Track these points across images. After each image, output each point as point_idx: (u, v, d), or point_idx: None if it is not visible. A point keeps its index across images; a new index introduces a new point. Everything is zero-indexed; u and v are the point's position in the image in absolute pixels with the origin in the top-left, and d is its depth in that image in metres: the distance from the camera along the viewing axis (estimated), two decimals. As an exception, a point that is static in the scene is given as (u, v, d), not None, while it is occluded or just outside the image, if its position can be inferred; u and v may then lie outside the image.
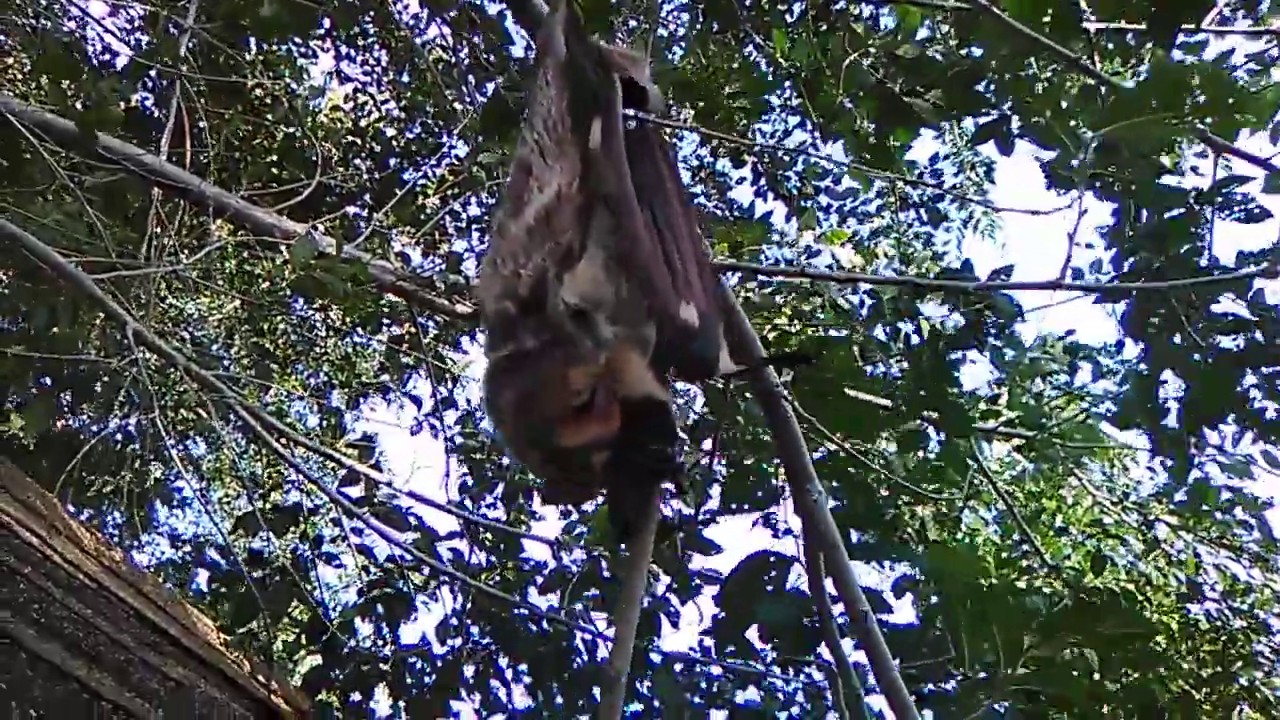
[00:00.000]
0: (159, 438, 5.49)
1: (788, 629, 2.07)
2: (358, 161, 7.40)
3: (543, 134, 1.74)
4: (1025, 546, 4.71)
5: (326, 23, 7.10)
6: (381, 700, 4.83)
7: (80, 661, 2.55)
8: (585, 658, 4.63)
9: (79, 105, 4.43)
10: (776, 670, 3.98)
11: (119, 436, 6.40)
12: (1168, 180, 2.95)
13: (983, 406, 4.09)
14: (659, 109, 1.91)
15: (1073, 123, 1.79)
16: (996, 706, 1.67)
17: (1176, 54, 2.66)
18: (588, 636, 4.52)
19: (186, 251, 5.28)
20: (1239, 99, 1.65)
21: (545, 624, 4.62)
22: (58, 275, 4.00)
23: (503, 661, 4.76)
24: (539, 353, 1.52)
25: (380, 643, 4.84)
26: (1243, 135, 2.71)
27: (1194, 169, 3.34)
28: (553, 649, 4.62)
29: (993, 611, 1.59)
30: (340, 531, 5.23)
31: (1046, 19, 2.73)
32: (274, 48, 6.92)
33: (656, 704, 4.38)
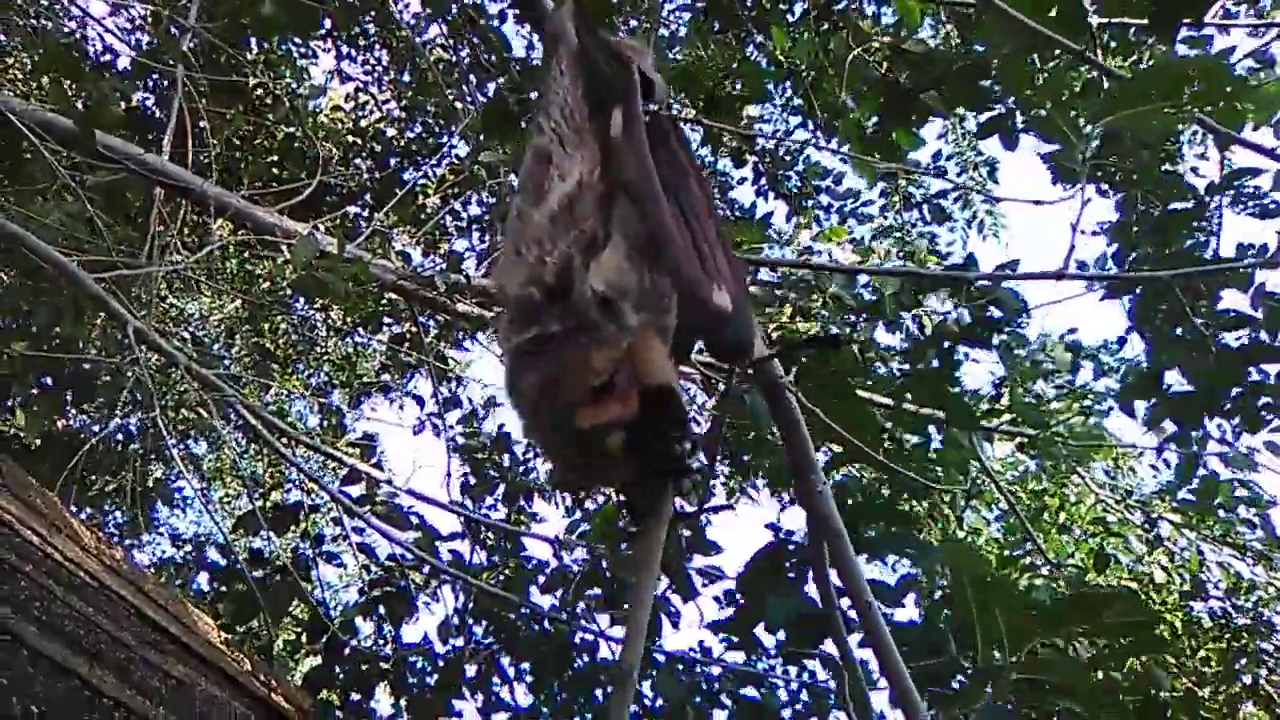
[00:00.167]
0: (160, 437, 5.49)
1: (795, 623, 2.07)
2: (358, 161, 7.41)
3: (560, 123, 1.75)
4: (1028, 544, 4.70)
5: (328, 23, 7.10)
6: (383, 700, 4.82)
7: (81, 659, 2.54)
8: (587, 658, 4.62)
9: (80, 105, 4.43)
10: (781, 665, 3.98)
11: (120, 436, 6.40)
12: (1168, 168, 2.95)
13: (985, 405, 4.09)
14: (664, 99, 1.91)
15: (1074, 113, 1.78)
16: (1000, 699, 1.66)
17: (1180, 49, 2.65)
18: (590, 636, 4.51)
19: (188, 251, 5.28)
20: (1237, 89, 1.65)
21: (547, 623, 4.61)
22: (59, 275, 4.00)
23: (504, 661, 4.76)
24: (563, 337, 1.54)
25: (381, 642, 4.83)
26: (1246, 131, 2.71)
27: (1194, 170, 3.34)
28: (554, 648, 4.61)
29: (998, 601, 1.59)
30: (341, 531, 5.23)
31: (1051, 14, 2.72)
32: (275, 48, 6.92)
33: (659, 704, 4.38)
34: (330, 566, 5.26)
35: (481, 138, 5.37)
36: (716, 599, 4.05)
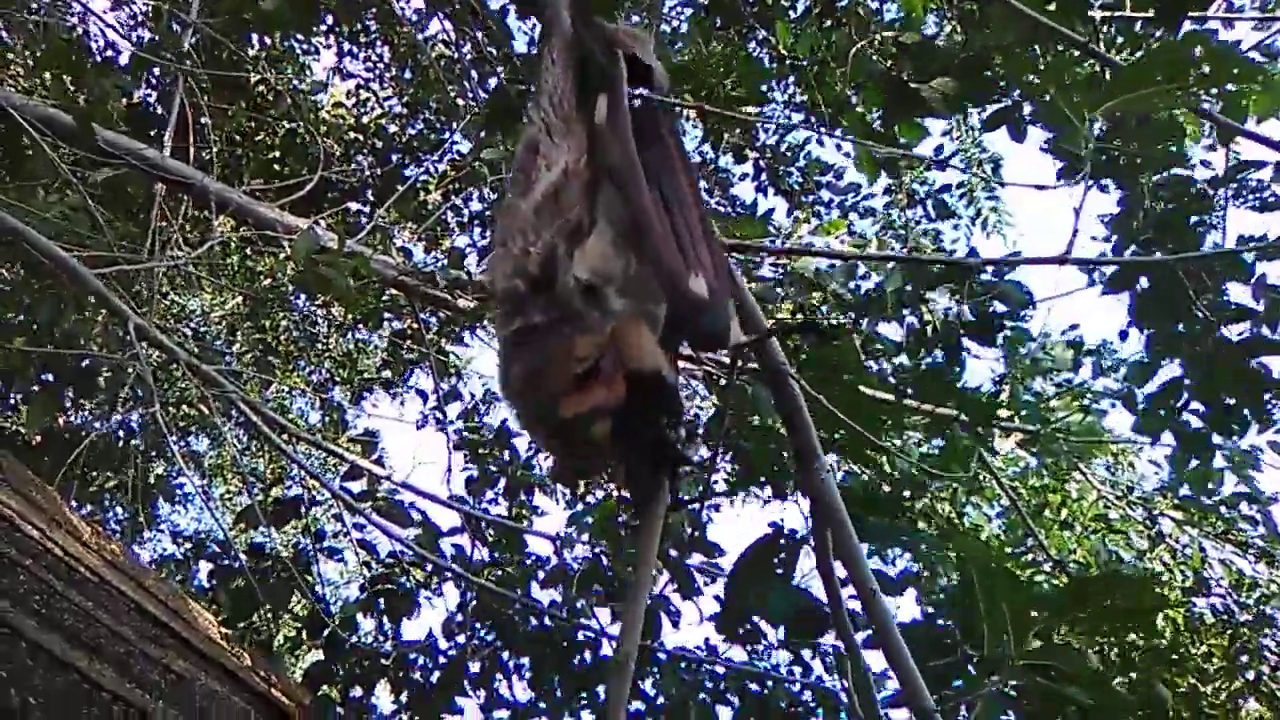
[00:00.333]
0: (161, 433, 5.49)
1: (796, 615, 2.06)
2: (360, 157, 7.40)
3: (549, 112, 1.75)
4: (1030, 541, 4.69)
5: (329, 19, 7.10)
6: (383, 696, 4.83)
7: (81, 653, 2.54)
8: (588, 655, 4.62)
9: (81, 100, 4.43)
10: (783, 658, 3.97)
11: (121, 432, 6.40)
12: (1176, 170, 2.94)
13: (986, 401, 4.07)
14: (664, 87, 1.91)
15: (1076, 99, 1.77)
16: (1004, 688, 1.65)
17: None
18: (590, 633, 4.51)
19: (189, 247, 5.28)
20: (1243, 70, 1.64)
21: (547, 619, 4.61)
22: (59, 270, 4.00)
23: (505, 656, 4.75)
24: (547, 328, 1.54)
25: (381, 639, 4.83)
26: (1251, 125, 2.70)
27: (1204, 162, 3.31)
28: (555, 644, 4.60)
29: (1003, 589, 1.58)
30: (342, 527, 5.23)
31: (1051, 6, 2.71)
32: (277, 44, 6.92)
33: (660, 701, 4.37)
34: (331, 563, 5.27)
35: (483, 134, 5.36)
36: (718, 597, 4.05)
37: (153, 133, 5.56)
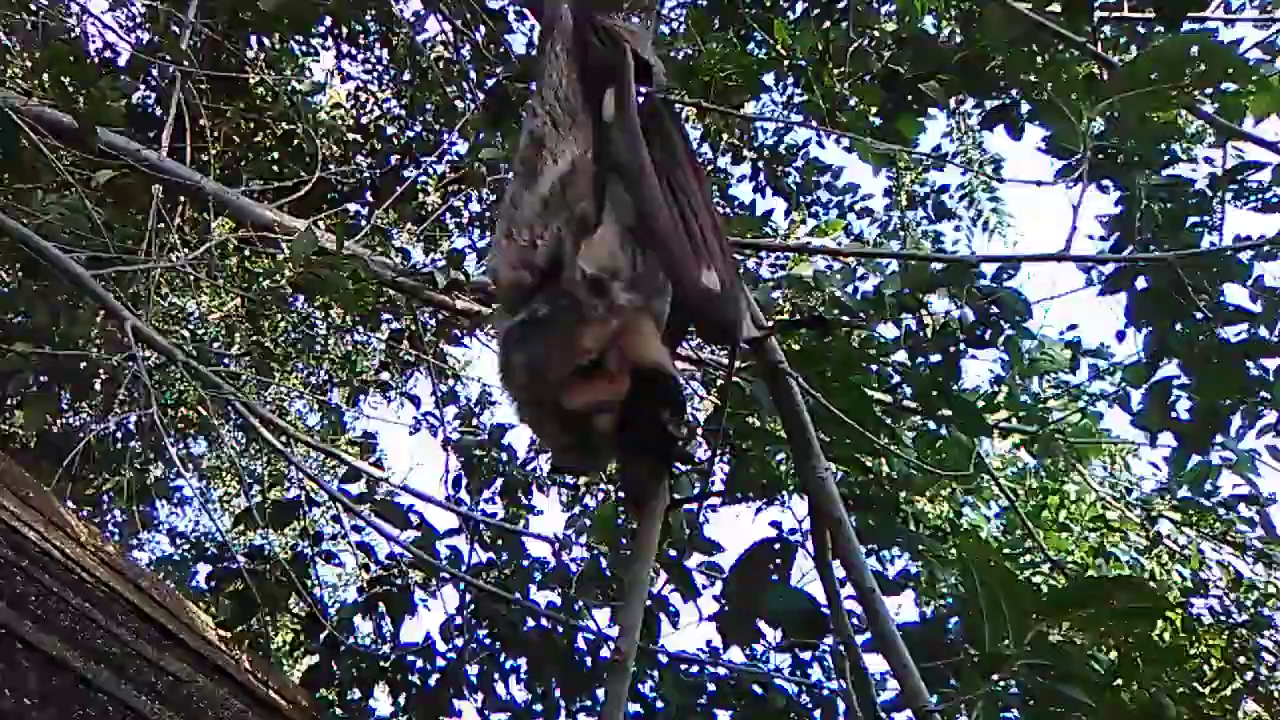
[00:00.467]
0: (158, 435, 5.48)
1: (796, 616, 2.05)
2: (359, 159, 7.40)
3: (554, 105, 1.75)
4: (1028, 542, 4.69)
5: (328, 21, 7.10)
6: (381, 699, 4.81)
7: (77, 653, 2.53)
8: (588, 658, 4.61)
9: (80, 102, 4.42)
10: (782, 665, 3.96)
11: (119, 434, 6.39)
12: (1174, 171, 2.93)
13: (982, 402, 4.07)
14: (663, 83, 1.90)
15: (1075, 96, 1.77)
16: (1005, 688, 1.64)
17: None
18: (589, 635, 4.50)
19: (187, 248, 5.27)
20: (1239, 70, 1.63)
21: (545, 621, 4.60)
22: (57, 271, 4.00)
23: (503, 659, 4.74)
24: (551, 318, 1.53)
25: (379, 641, 4.82)
26: (1250, 126, 2.70)
27: (1208, 159, 3.30)
28: (554, 646, 4.59)
29: (1003, 587, 1.57)
30: (340, 529, 5.22)
31: (1053, 7, 2.72)
32: (275, 45, 6.92)
33: (659, 705, 4.36)
34: (329, 566, 5.26)
35: (481, 135, 5.36)
36: (717, 598, 4.04)
37: (151, 134, 5.56)
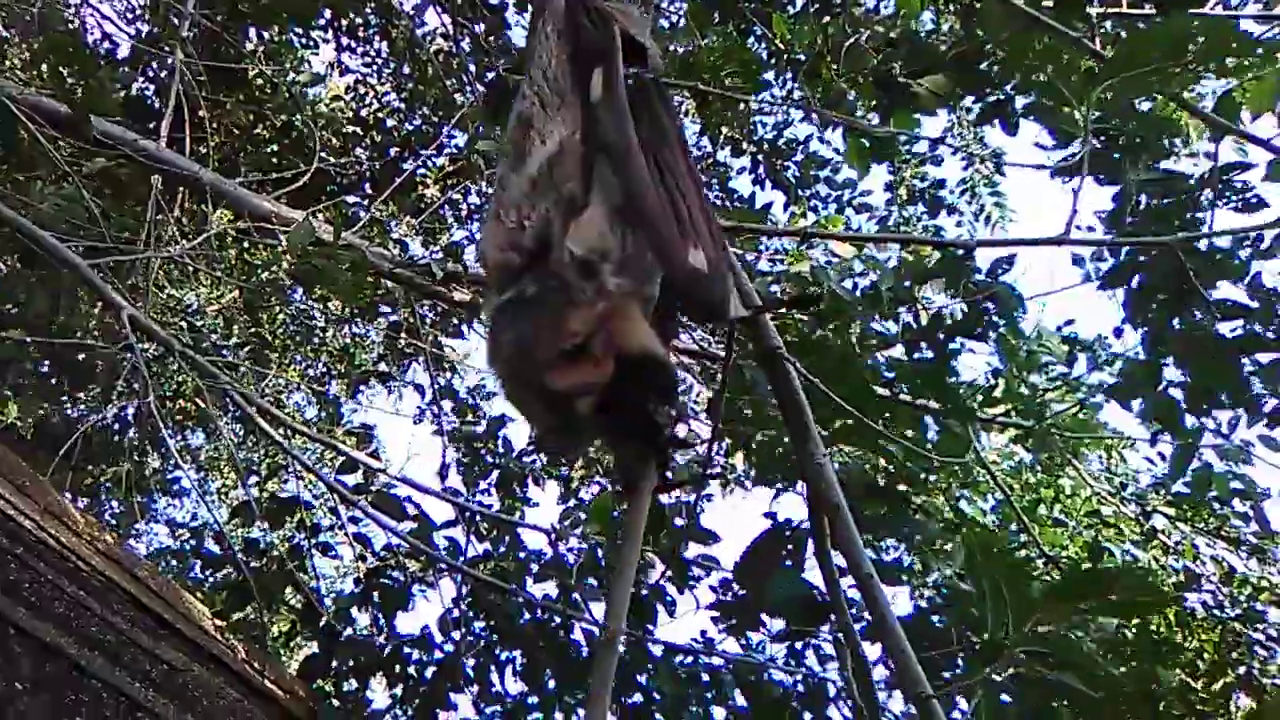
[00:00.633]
0: (156, 426, 5.48)
1: (796, 602, 2.05)
2: (358, 151, 7.40)
3: (543, 86, 1.75)
4: (1023, 536, 4.70)
5: (328, 13, 7.10)
6: (378, 690, 4.82)
7: (71, 640, 2.54)
8: (585, 650, 4.61)
9: (78, 92, 4.42)
10: (781, 654, 3.96)
11: (116, 425, 6.40)
12: (1166, 166, 2.94)
13: (980, 396, 4.07)
14: (658, 66, 1.90)
15: (1074, 79, 1.77)
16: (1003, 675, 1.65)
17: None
18: (585, 626, 4.50)
19: (185, 239, 5.27)
20: (1243, 46, 1.62)
21: (541, 613, 4.61)
22: (54, 260, 4.00)
23: (499, 651, 4.75)
24: (539, 298, 1.53)
25: (376, 632, 4.83)
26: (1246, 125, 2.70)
27: (1208, 154, 3.30)
28: (549, 638, 4.60)
29: (1003, 574, 1.57)
30: (337, 520, 5.22)
31: (1048, 1, 2.71)
32: (275, 37, 6.92)
33: (656, 696, 4.37)
34: (326, 558, 5.26)
35: (480, 127, 5.36)
36: (713, 588, 4.05)
37: (150, 125, 5.56)
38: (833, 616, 2.02)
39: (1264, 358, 2.90)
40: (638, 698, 4.38)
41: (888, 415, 2.74)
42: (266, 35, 6.90)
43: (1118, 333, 3.43)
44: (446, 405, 5.74)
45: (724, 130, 6.43)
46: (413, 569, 4.81)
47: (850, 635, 1.90)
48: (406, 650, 4.74)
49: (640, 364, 1.50)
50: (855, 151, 3.44)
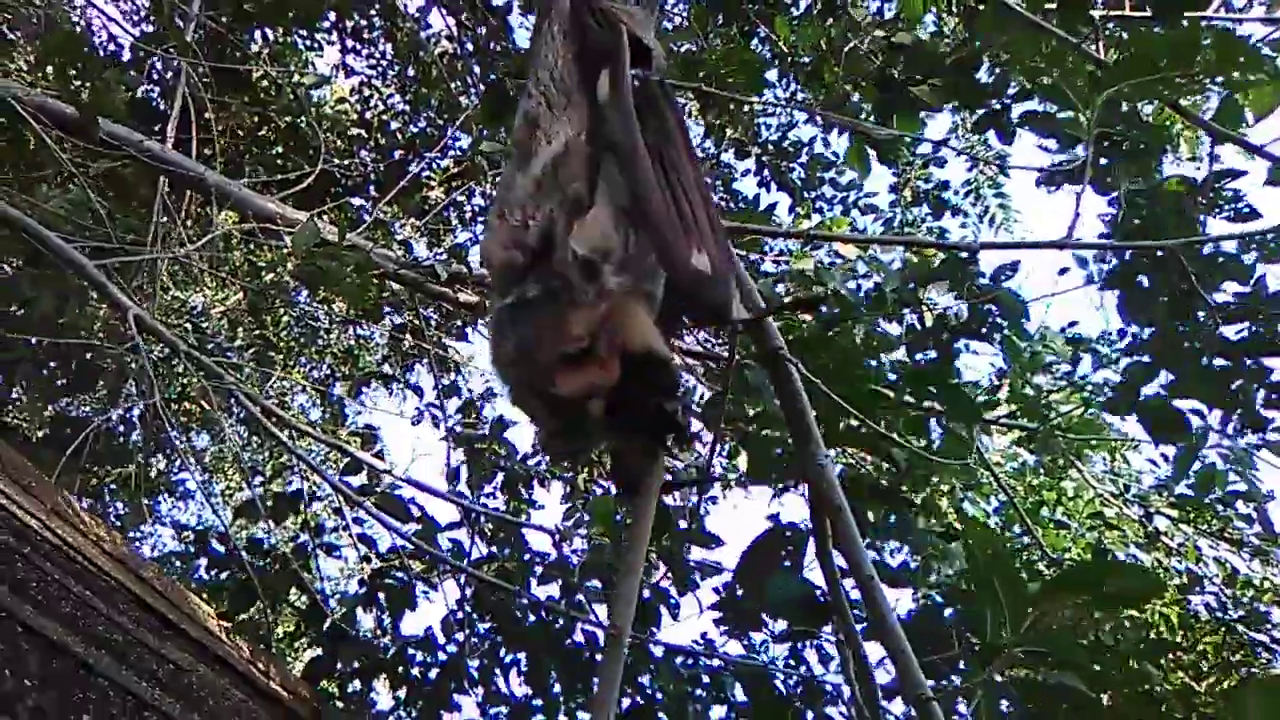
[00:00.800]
0: (162, 427, 5.50)
1: (796, 603, 2.05)
2: (363, 153, 7.41)
3: (549, 86, 1.74)
4: (1026, 539, 4.70)
5: (333, 15, 7.12)
6: (382, 691, 4.83)
7: (78, 639, 2.55)
8: (587, 652, 4.62)
9: (84, 93, 4.44)
10: (782, 656, 3.96)
11: (122, 426, 6.41)
12: (1168, 174, 2.94)
13: (983, 398, 4.07)
14: (662, 68, 1.90)
15: (1080, 83, 1.77)
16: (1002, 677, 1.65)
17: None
18: (589, 627, 4.51)
19: (191, 241, 5.29)
20: (1250, 60, 1.62)
21: (546, 614, 4.61)
22: (59, 260, 4.01)
23: (504, 652, 4.76)
24: (542, 299, 1.53)
25: (381, 633, 4.83)
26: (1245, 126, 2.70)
27: (1213, 156, 3.30)
28: (554, 639, 4.61)
29: (1000, 573, 1.57)
30: (341, 521, 5.23)
31: (1052, 5, 2.72)
32: (280, 38, 6.94)
33: (658, 696, 4.37)
34: (331, 559, 5.27)
35: (483, 130, 5.37)
36: (716, 590, 4.05)
37: (155, 127, 5.58)
38: (834, 617, 2.02)
39: (1269, 361, 2.90)
40: (639, 699, 4.39)
41: (890, 417, 2.74)
42: (271, 37, 6.92)
43: (1121, 334, 3.43)
44: (451, 407, 5.75)
45: (728, 132, 6.44)
46: (417, 570, 4.82)
47: (852, 636, 1.90)
48: (411, 651, 4.75)
49: (644, 361, 1.50)
50: (856, 153, 3.45)
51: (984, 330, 3.74)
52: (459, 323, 6.31)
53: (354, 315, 6.77)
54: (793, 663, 4.04)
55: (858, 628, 2.08)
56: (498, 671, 4.72)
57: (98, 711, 2.32)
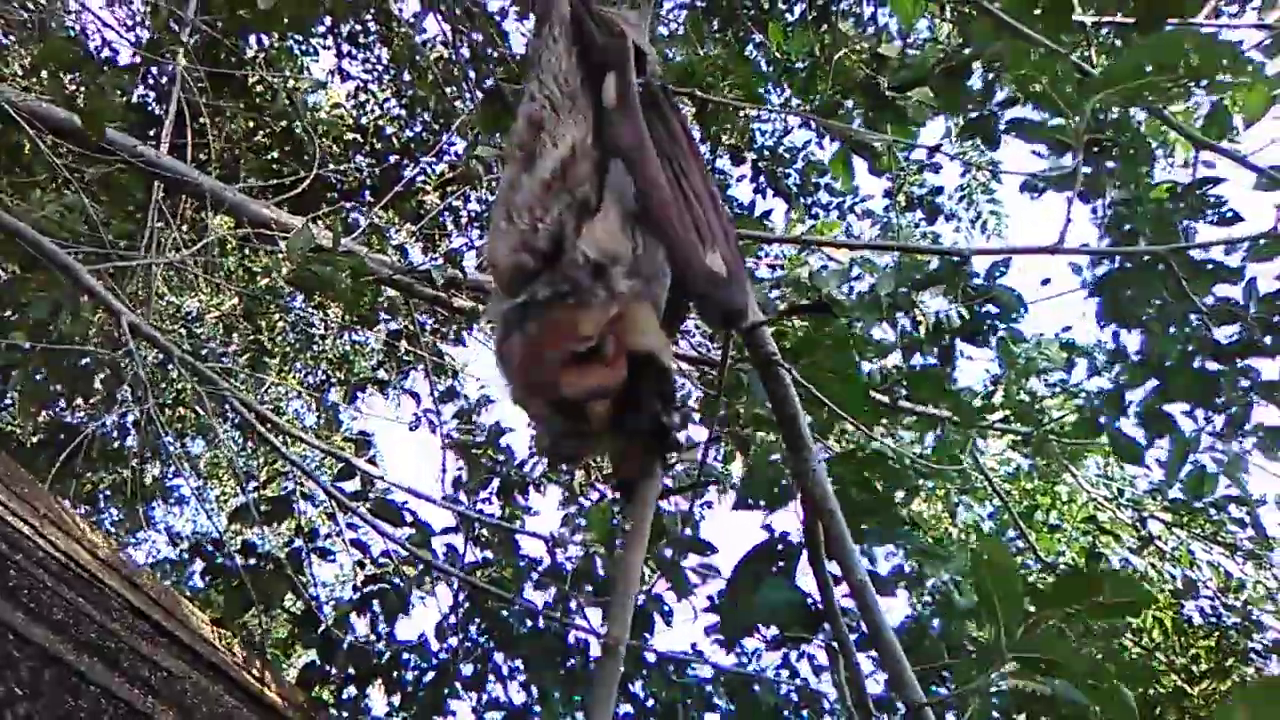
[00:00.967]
0: (156, 432, 5.49)
1: (789, 610, 2.05)
2: (358, 158, 7.42)
3: (553, 89, 1.73)
4: (1020, 543, 4.70)
5: (329, 20, 7.13)
6: (376, 697, 4.82)
7: (70, 646, 2.53)
8: (579, 656, 4.61)
9: (80, 98, 4.43)
10: (772, 666, 3.96)
11: (115, 432, 6.40)
12: (1157, 179, 2.96)
13: (979, 403, 4.09)
14: (656, 72, 1.90)
15: (1069, 89, 1.78)
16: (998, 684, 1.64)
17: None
18: (583, 633, 4.51)
19: (186, 246, 5.28)
20: (1235, 64, 1.63)
21: (540, 620, 4.61)
22: (53, 266, 4.01)
23: (498, 658, 4.75)
24: (550, 301, 1.52)
25: (375, 639, 4.82)
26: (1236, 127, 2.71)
27: (1208, 163, 3.32)
28: (548, 646, 4.60)
29: (995, 582, 1.57)
30: (335, 526, 5.22)
31: (1036, 12, 2.72)
32: (275, 44, 6.94)
33: (650, 704, 4.37)
34: (325, 565, 5.26)
35: (479, 135, 5.38)
36: (711, 598, 4.05)
37: (151, 132, 5.57)
38: (826, 625, 2.02)
39: (1259, 364, 2.92)
40: (631, 707, 4.39)
41: (885, 421, 2.74)
42: (267, 42, 6.92)
43: (1115, 337, 3.44)
44: (447, 413, 5.75)
45: (724, 138, 6.45)
46: (411, 575, 4.81)
47: (844, 644, 1.90)
48: (405, 657, 4.74)
49: (649, 365, 1.49)
50: (840, 162, 3.46)
51: (980, 335, 3.75)
52: (455, 328, 6.30)
53: (349, 321, 6.76)
54: (785, 672, 4.04)
55: (850, 637, 2.08)
56: (492, 677, 4.72)
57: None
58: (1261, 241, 2.65)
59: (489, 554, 4.85)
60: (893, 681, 1.74)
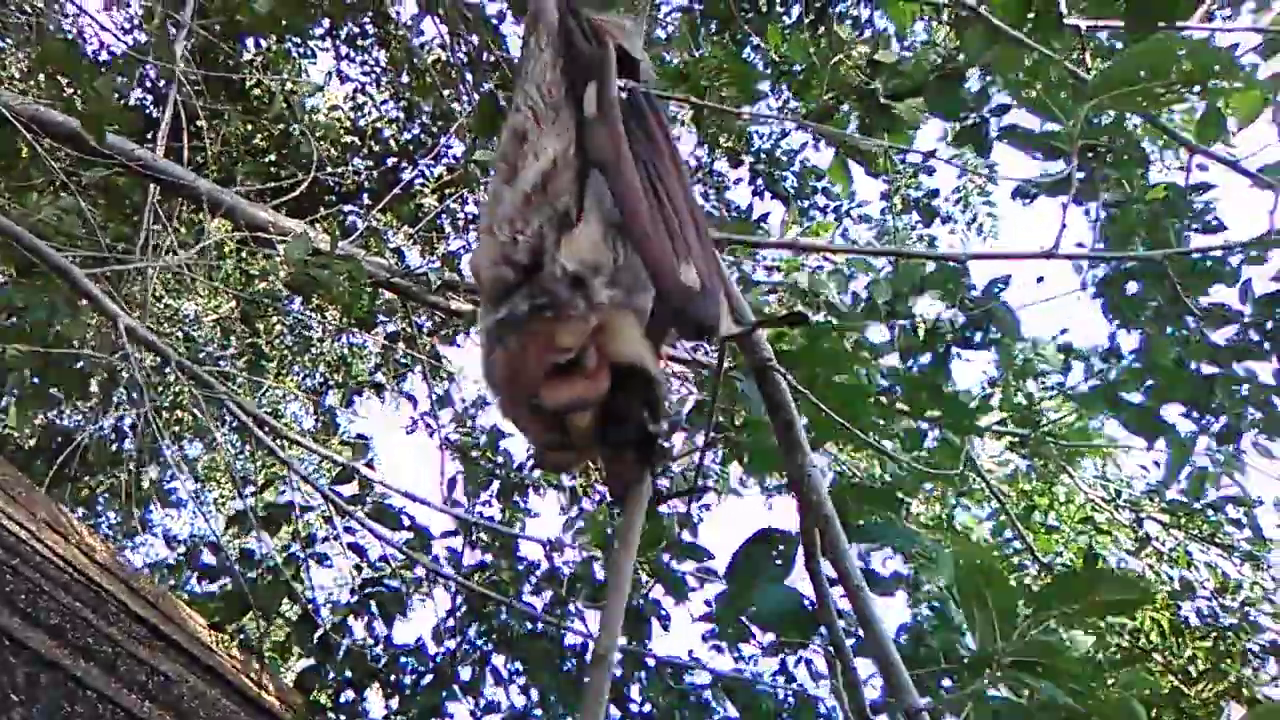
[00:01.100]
0: (153, 436, 5.48)
1: (785, 613, 2.04)
2: (356, 160, 7.42)
3: (537, 99, 1.74)
4: (1017, 544, 4.71)
5: (326, 23, 7.13)
6: (374, 700, 4.81)
7: (66, 651, 2.54)
8: (576, 661, 4.61)
9: (78, 102, 4.43)
10: (769, 670, 3.96)
11: (113, 435, 6.39)
12: (1154, 182, 2.97)
13: (975, 405, 4.09)
14: (650, 80, 1.90)
15: (1064, 95, 1.79)
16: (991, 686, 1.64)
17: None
18: (580, 636, 4.51)
19: (183, 249, 5.28)
20: (1228, 68, 1.64)
21: (538, 624, 4.61)
22: (49, 268, 4.00)
23: (497, 661, 4.75)
24: (531, 314, 1.53)
25: (372, 642, 4.82)
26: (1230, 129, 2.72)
27: (1201, 166, 3.33)
28: (546, 649, 4.60)
29: (989, 583, 1.57)
30: (333, 530, 5.22)
31: (1031, 16, 2.73)
32: (273, 47, 6.94)
33: (647, 709, 4.37)
34: (322, 568, 5.25)
35: (476, 138, 5.38)
36: (708, 602, 4.05)
37: (148, 135, 5.57)
38: (823, 629, 2.02)
39: (1257, 366, 2.92)
40: (632, 708, 4.39)
41: (881, 424, 2.74)
42: (264, 45, 6.92)
43: (1111, 339, 3.46)
44: (445, 416, 5.75)
45: (721, 140, 6.46)
46: (408, 578, 4.81)
47: (841, 649, 1.89)
48: (403, 660, 4.74)
49: (633, 376, 1.50)
50: (838, 168, 3.46)
51: (978, 339, 3.75)
52: (452, 330, 6.30)
53: (347, 324, 6.76)
54: (781, 678, 4.04)
55: (847, 642, 2.07)
56: (490, 680, 4.71)
57: (86, 724, 2.31)
58: (1260, 242, 2.66)
59: (488, 558, 4.85)
60: (890, 687, 1.74)
